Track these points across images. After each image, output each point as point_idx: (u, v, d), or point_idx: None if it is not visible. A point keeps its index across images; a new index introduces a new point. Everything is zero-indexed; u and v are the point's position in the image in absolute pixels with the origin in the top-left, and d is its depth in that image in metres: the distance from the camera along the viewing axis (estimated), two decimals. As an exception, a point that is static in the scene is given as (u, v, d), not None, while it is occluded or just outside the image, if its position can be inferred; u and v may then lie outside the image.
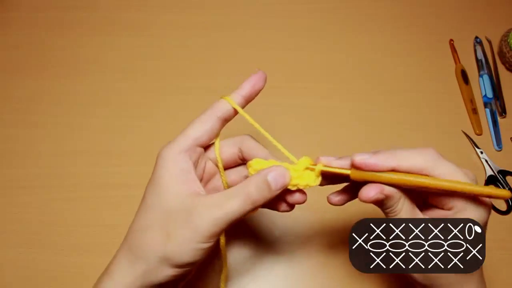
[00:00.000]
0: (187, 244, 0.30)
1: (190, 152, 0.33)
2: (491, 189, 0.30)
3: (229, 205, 0.30)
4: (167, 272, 0.30)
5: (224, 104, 0.34)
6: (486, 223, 0.33)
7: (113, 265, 0.32)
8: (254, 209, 0.31)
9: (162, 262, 0.30)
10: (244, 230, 0.48)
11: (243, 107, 0.35)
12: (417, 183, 0.31)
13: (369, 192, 0.31)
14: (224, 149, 0.35)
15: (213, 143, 0.36)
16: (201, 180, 0.36)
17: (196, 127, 0.33)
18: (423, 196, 0.35)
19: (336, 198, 0.36)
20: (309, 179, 0.33)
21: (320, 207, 0.49)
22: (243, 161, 0.37)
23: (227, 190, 0.31)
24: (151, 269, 0.30)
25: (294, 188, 0.33)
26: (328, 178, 0.34)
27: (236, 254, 0.46)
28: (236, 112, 0.34)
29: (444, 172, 0.31)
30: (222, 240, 0.36)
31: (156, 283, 0.31)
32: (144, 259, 0.31)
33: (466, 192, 0.31)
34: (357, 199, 0.33)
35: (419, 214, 0.34)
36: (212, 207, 0.30)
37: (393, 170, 0.31)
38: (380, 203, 0.32)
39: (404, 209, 0.32)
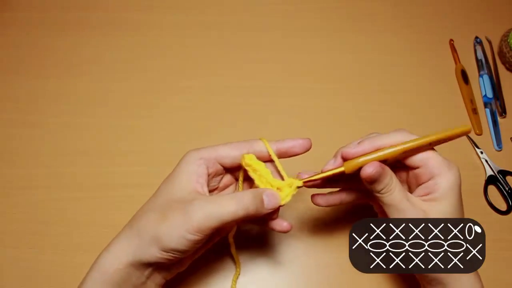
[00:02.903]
0: (176, 229, 0.32)
1: (209, 163, 0.36)
2: (453, 129, 0.35)
3: (223, 204, 0.32)
4: (154, 253, 0.33)
5: (258, 144, 0.37)
6: (460, 185, 0.35)
7: (113, 241, 0.35)
8: (247, 219, 0.33)
9: (152, 241, 0.33)
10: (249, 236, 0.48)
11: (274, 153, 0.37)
12: (401, 149, 0.34)
13: (369, 168, 0.33)
14: (228, 152, 0.37)
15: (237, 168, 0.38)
16: (215, 189, 0.39)
17: (225, 148, 0.37)
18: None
19: (322, 200, 0.39)
20: (287, 197, 0.36)
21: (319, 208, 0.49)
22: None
23: (225, 194, 0.34)
24: (142, 246, 0.33)
25: None
26: (325, 182, 0.37)
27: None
28: (264, 158, 0.37)
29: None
30: (232, 247, 0.43)
31: (144, 261, 0.33)
32: (139, 235, 0.33)
33: (440, 140, 0.35)
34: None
35: (408, 193, 0.36)
36: (208, 203, 0.33)
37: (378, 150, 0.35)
38: (377, 182, 0.34)
39: (398, 187, 0.35)
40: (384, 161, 0.35)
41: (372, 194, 0.36)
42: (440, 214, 0.34)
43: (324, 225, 0.48)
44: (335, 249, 0.47)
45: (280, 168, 0.36)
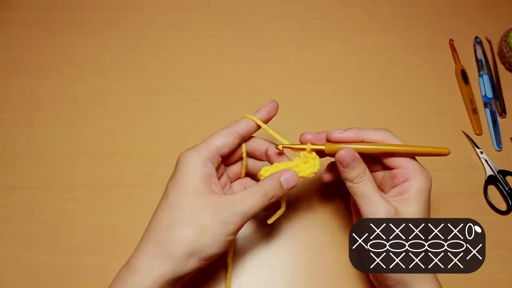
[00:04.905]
0: (218, 237, 0.34)
1: (213, 159, 0.37)
2: (432, 148, 0.39)
3: (250, 200, 0.35)
4: (194, 265, 0.34)
5: (244, 123, 0.39)
6: (430, 189, 0.38)
7: (138, 260, 0.34)
8: (273, 202, 0.37)
9: (191, 255, 0.33)
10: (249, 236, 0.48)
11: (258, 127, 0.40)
12: (379, 149, 0.38)
13: (343, 151, 0.36)
14: (223, 141, 0.38)
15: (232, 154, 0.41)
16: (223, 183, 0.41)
17: (219, 138, 0.38)
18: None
19: (327, 175, 0.42)
20: (311, 168, 0.38)
21: (318, 206, 0.49)
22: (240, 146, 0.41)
23: (246, 190, 0.36)
24: (180, 262, 0.33)
25: (301, 179, 0.38)
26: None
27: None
28: (252, 132, 0.40)
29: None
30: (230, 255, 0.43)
31: (182, 275, 0.34)
32: (174, 253, 0.33)
33: (415, 152, 0.38)
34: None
35: (380, 191, 0.37)
36: (237, 203, 0.35)
37: (362, 142, 0.38)
38: (349, 167, 0.37)
39: (371, 180, 0.37)
40: (361, 154, 0.37)
41: (346, 186, 0.37)
42: (410, 215, 0.36)
43: (322, 223, 0.48)
44: (335, 249, 0.47)
45: (272, 133, 0.39)
